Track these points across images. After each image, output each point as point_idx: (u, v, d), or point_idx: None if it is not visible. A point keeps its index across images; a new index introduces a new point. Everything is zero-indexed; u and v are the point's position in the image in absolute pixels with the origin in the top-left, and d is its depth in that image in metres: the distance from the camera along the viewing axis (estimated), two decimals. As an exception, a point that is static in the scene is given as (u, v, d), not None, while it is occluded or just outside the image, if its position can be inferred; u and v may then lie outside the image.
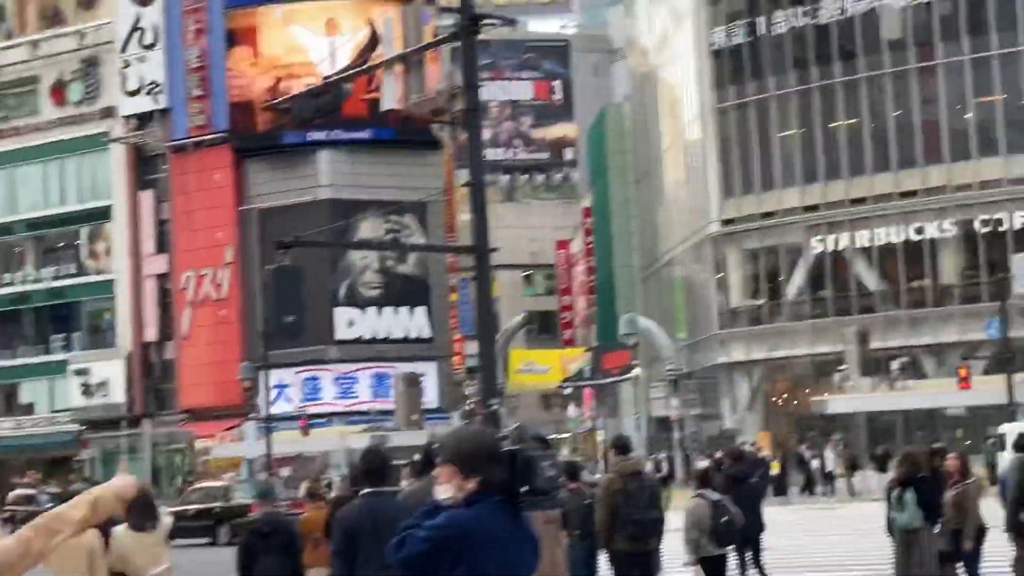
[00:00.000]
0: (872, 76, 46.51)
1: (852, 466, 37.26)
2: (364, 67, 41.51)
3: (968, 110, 45.24)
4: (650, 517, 9.96)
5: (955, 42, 44.86)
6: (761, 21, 48.03)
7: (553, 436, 48.30)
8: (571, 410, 56.63)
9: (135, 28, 50.31)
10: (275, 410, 40.63)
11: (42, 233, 54.39)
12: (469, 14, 19.14)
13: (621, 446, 12.21)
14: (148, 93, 50.08)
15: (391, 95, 27.14)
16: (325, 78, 40.03)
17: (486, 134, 53.63)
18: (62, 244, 54.35)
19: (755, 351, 48.20)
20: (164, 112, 50.06)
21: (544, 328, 61.76)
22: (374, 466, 5.64)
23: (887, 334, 43.55)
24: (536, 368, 56.04)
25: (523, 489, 2.15)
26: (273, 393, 41.08)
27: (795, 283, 47.14)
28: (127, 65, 50.19)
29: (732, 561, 12.50)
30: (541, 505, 2.54)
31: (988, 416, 36.94)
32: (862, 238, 45.59)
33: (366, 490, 5.61)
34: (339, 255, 47.64)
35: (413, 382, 35.94)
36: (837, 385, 44.04)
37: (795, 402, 48.92)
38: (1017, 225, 42.98)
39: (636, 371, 50.08)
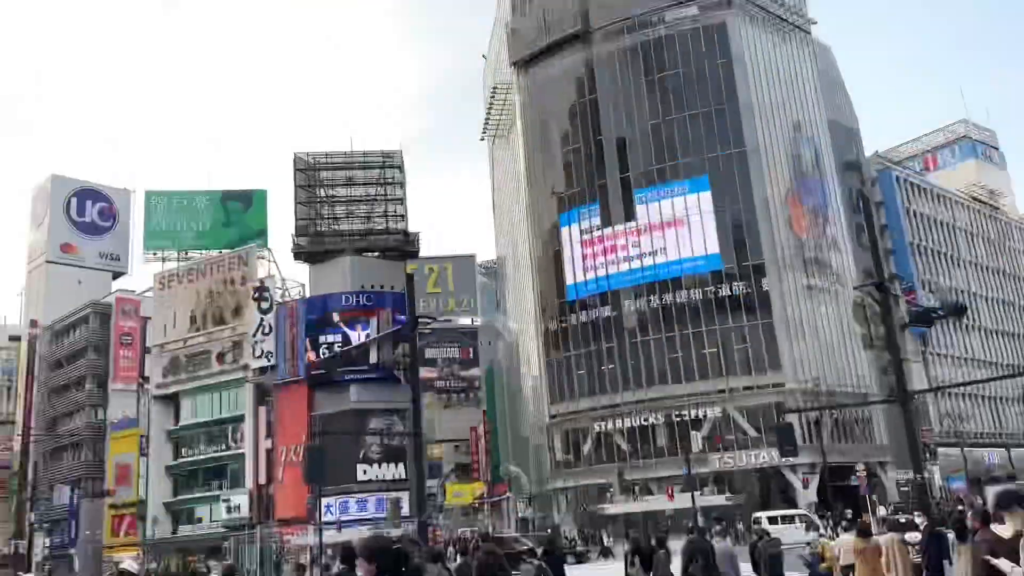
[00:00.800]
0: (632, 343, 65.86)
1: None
2: (363, 343, 65.87)
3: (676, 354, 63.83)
4: None
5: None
6: (571, 317, 70.20)
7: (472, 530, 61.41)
8: (480, 517, 68.74)
9: (260, 324, 69.68)
10: (325, 518, 54.47)
11: (209, 430, 73.80)
12: (415, 317, 26.47)
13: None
14: (266, 358, 68.59)
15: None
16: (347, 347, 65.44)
17: (434, 373, 78.74)
18: (219, 434, 72.90)
19: (569, 482, 67.41)
20: (273, 367, 68.85)
21: (465, 472, 70.71)
22: (346, 554, 6.82)
23: (633, 472, 61.56)
24: (460, 494, 69.41)
25: (403, 570, 4.86)
26: (324, 510, 55.43)
27: (587, 447, 67.09)
28: (255, 343, 69.30)
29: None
30: None
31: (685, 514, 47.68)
32: (620, 423, 65.20)
33: (342, 567, 7.80)
34: (361, 438, 64.18)
35: (396, 503, 59.30)
36: (609, 499, 63.06)
37: (588, 508, 64.24)
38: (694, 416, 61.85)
39: (509, 494, 68.85)
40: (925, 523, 16.17)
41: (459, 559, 19.52)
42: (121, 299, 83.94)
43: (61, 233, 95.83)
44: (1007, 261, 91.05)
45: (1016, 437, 79.99)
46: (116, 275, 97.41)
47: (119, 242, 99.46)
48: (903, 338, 69.49)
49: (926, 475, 63.11)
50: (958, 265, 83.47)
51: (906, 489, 62.78)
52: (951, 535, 15.32)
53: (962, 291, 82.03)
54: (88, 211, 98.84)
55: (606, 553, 49.01)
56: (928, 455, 65.74)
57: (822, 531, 40.26)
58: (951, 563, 14.48)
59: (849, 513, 44.24)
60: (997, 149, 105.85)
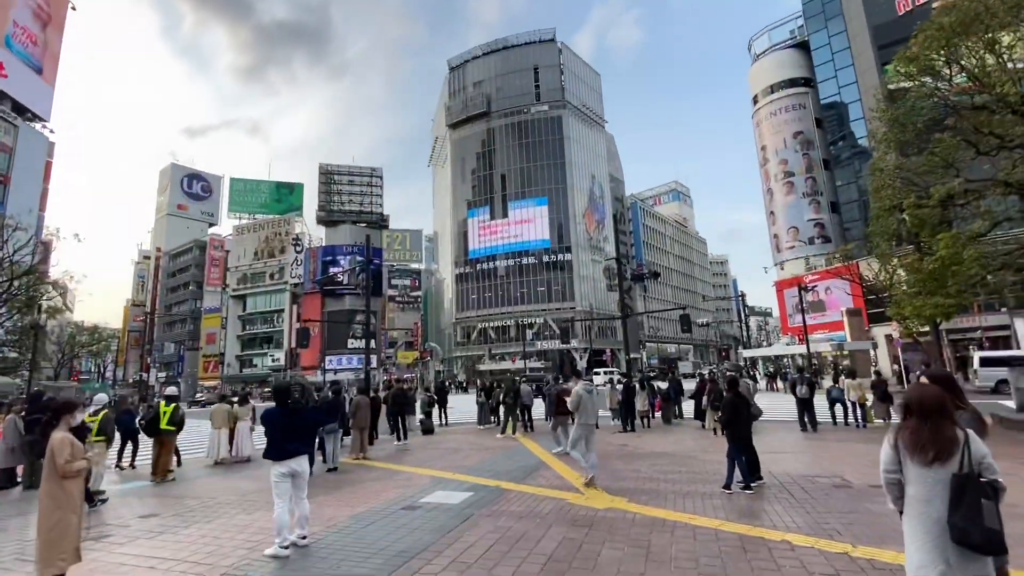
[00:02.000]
0: (501, 282, 70.21)
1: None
2: (347, 270, 66.32)
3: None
4: None
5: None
6: (470, 267, 68.22)
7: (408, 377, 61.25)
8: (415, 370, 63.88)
9: (295, 259, 68.06)
10: (328, 366, 59.20)
11: (263, 315, 69.85)
12: (374, 264, 41.66)
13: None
14: (297, 278, 67.52)
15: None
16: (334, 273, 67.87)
17: (395, 293, 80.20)
18: (269, 318, 69.35)
19: (462, 353, 67.29)
20: (300, 283, 67.16)
21: (411, 346, 67.55)
22: (275, 390, 5.51)
23: (496, 349, 66.10)
24: (405, 357, 67.29)
25: (289, 401, 4.86)
26: (327, 362, 56.26)
27: (473, 335, 65.92)
28: (292, 269, 67.90)
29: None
30: (300, 410, 5.08)
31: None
32: (491, 323, 66.18)
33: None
34: (351, 324, 61.18)
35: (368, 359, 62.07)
36: (482, 362, 61.79)
37: (471, 366, 63.27)
38: (529, 322, 73.26)
39: (430, 358, 67.10)
40: (628, 379, 16.97)
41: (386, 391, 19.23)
42: (213, 239, 77.45)
43: (176, 198, 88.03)
44: (687, 253, 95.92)
45: (681, 339, 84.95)
46: (210, 225, 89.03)
47: (214, 206, 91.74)
48: (635, 288, 73.12)
49: (640, 355, 67.82)
50: (665, 254, 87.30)
51: (630, 362, 67.15)
52: (636, 385, 16.22)
53: (665, 266, 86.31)
54: (194, 186, 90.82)
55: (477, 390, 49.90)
56: (642, 346, 69.88)
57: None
58: (634, 398, 15.29)
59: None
60: (689, 196, 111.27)
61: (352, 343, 63.64)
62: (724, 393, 7.83)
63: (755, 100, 51.41)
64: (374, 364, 65.73)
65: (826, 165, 45.39)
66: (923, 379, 3.67)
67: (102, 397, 8.99)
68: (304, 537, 5.15)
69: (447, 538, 5.21)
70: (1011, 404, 12.69)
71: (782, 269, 46.50)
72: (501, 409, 15.37)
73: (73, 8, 48.41)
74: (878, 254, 14.78)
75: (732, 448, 7.02)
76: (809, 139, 46.33)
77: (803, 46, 48.63)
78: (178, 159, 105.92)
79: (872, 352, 32.12)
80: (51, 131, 46.34)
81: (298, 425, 5.18)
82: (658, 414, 16.63)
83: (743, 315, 63.48)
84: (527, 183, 68.60)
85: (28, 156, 42.14)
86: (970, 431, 2.66)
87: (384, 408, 14.50)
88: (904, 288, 13.75)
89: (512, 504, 6.58)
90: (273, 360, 66.56)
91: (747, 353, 47.07)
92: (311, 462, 9.37)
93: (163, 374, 73.77)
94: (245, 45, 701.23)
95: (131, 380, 67.77)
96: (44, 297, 32.48)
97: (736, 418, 7.10)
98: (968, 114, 11.50)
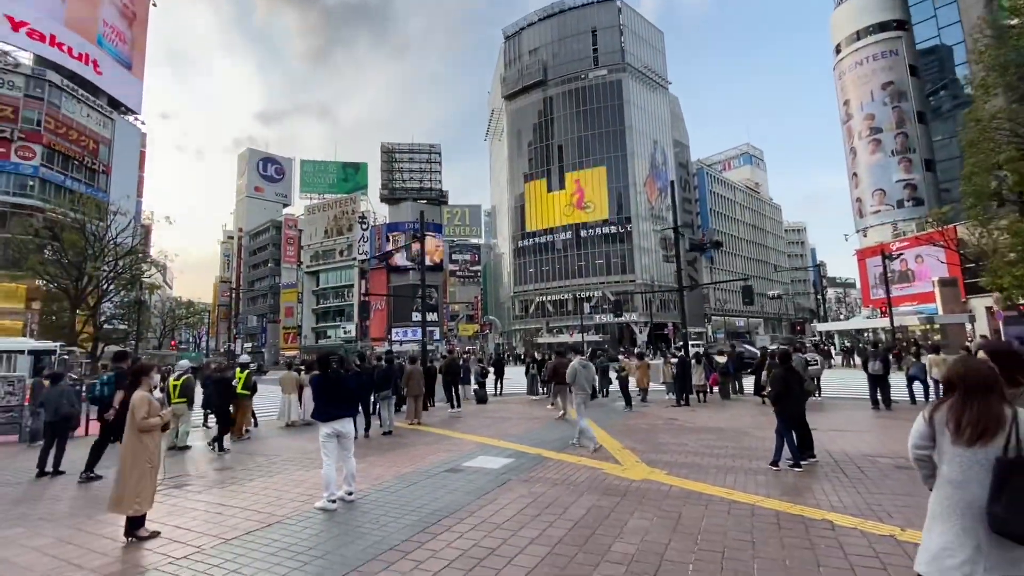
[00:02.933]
0: (558, 255, 69.92)
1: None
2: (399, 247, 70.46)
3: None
4: None
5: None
6: (528, 240, 67.93)
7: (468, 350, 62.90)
8: (476, 341, 68.71)
9: (361, 236, 69.16)
10: (394, 338, 66.69)
11: (335, 289, 71.90)
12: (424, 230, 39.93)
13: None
14: (364, 254, 68.41)
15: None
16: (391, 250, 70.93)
17: (456, 267, 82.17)
18: (340, 293, 71.41)
19: (520, 326, 66.54)
20: (366, 260, 68.01)
21: (471, 319, 73.10)
22: (319, 358, 6.03)
23: (553, 322, 69.31)
24: (466, 329, 72.01)
25: (329, 369, 5.36)
26: (394, 333, 61.88)
27: (531, 308, 66.05)
28: (359, 246, 68.95)
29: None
30: (342, 377, 5.37)
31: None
32: (549, 297, 66.65)
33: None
34: (414, 299, 66.70)
35: (431, 332, 64.62)
36: (540, 335, 61.97)
37: (529, 339, 64.02)
38: (587, 295, 73.60)
39: (489, 331, 71.27)
40: (683, 354, 16.50)
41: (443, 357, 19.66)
42: (287, 218, 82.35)
43: (254, 180, 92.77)
44: (759, 221, 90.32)
45: (751, 313, 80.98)
46: (285, 206, 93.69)
47: (286, 187, 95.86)
48: (700, 259, 70.06)
49: (705, 330, 65.50)
50: (734, 222, 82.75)
51: (695, 336, 64.95)
52: (692, 359, 15.74)
53: (734, 235, 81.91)
54: (269, 169, 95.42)
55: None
56: (707, 320, 67.33)
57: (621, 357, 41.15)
58: (690, 372, 14.88)
59: (636, 349, 43.13)
60: (763, 160, 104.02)
61: (416, 316, 65.74)
62: (774, 368, 7.45)
63: (838, 49, 46.61)
64: (436, 336, 68.61)
65: (920, 119, 40.62)
66: (981, 353, 3.34)
67: (184, 364, 10.01)
68: (351, 493, 5.55)
69: (481, 500, 5.43)
70: None
71: (864, 236, 42.73)
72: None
73: (155, 4, 51.88)
74: (971, 216, 13.12)
75: (780, 424, 6.73)
76: (901, 90, 41.54)
77: (896, -17, 43.12)
78: (255, 144, 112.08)
79: (968, 326, 29.06)
80: (142, 123, 50.70)
81: (340, 391, 5.52)
82: (716, 389, 16.11)
83: (819, 286, 59.19)
84: (585, 152, 66.85)
85: (124, 147, 46.43)
86: (1021, 409, 2.38)
87: (440, 378, 15.08)
88: (1004, 255, 12.19)
89: (549, 471, 6.71)
90: (345, 332, 69.83)
91: (822, 327, 44.11)
92: (367, 426, 10.02)
93: (248, 344, 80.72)
94: (312, 29, 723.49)
95: (221, 350, 74.26)
96: (145, 275, 36.28)
97: (786, 393, 6.76)
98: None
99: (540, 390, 17.44)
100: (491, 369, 19.99)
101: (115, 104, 47.17)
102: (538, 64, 70.80)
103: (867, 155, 43.01)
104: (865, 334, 37.06)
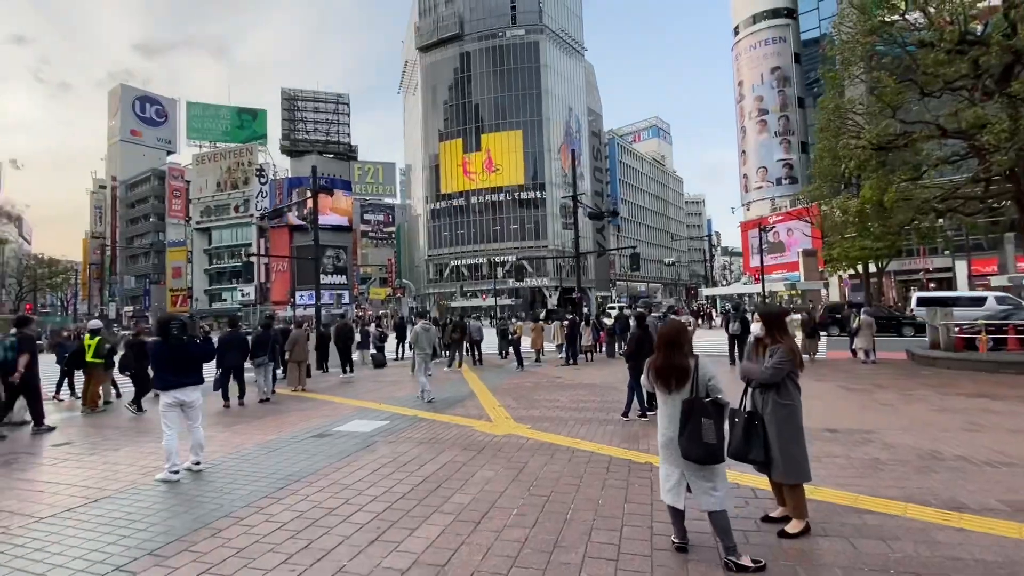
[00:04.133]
0: (473, 219, 66.90)
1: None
2: (296, 201, 67.63)
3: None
4: None
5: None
6: (443, 202, 66.66)
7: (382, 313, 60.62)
8: (389, 306, 65.77)
9: (259, 191, 63.25)
10: (299, 302, 62.86)
11: (230, 248, 67.41)
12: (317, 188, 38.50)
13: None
14: (262, 211, 60.74)
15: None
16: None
17: (369, 228, 79.29)
18: (236, 252, 65.84)
19: (434, 290, 66.06)
20: (265, 216, 62.57)
21: (384, 282, 71.63)
22: (158, 323, 6.70)
23: (467, 286, 72.66)
24: (378, 293, 70.24)
25: (170, 336, 5.05)
26: (298, 297, 64.47)
27: (446, 272, 65.63)
28: (257, 202, 63.82)
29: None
30: (184, 343, 5.00)
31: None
32: (463, 261, 65.71)
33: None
34: (321, 259, 66.62)
35: (339, 296, 61.62)
36: (453, 299, 67.30)
37: (442, 303, 60.68)
38: (501, 260, 72.48)
39: (401, 294, 68.01)
40: (573, 316, 17.35)
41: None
42: (172, 168, 74.43)
43: (129, 123, 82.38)
44: (663, 192, 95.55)
45: (652, 278, 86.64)
46: (169, 153, 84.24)
47: (170, 132, 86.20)
48: (608, 227, 73.11)
49: (610, 293, 69.13)
50: (641, 192, 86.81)
51: (600, 301, 68.36)
52: (582, 321, 16.59)
53: (640, 205, 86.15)
54: (148, 110, 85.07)
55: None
56: (611, 284, 71.02)
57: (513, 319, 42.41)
58: (579, 335, 15.71)
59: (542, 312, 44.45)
60: (669, 133, 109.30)
61: (324, 278, 62.92)
62: (632, 328, 8.09)
63: (736, 31, 49.43)
64: (346, 300, 66.23)
65: (800, 103, 44.69)
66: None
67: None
68: (198, 463, 5.34)
69: (340, 463, 5.47)
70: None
71: (748, 210, 46.92)
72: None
73: None
74: (811, 194, 14.92)
75: (632, 379, 7.37)
76: (786, 75, 45.24)
77: (789, -28, 46.14)
78: (134, 81, 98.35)
79: (824, 292, 33.33)
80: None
81: (182, 358, 5.21)
82: (604, 349, 17.21)
83: (708, 255, 64.51)
84: (501, 115, 65.97)
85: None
86: (701, 357, 3.02)
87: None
88: (838, 231, 14.04)
89: (419, 431, 6.88)
90: (244, 295, 65.54)
91: (707, 292, 48.35)
92: (241, 393, 9.56)
93: (129, 308, 72.90)
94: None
95: (95, 314, 66.35)
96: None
97: (639, 351, 7.40)
98: (919, 53, 11.30)
99: (443, 353, 17.52)
100: (393, 334, 19.74)
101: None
102: (455, 17, 67.91)
103: (755, 135, 46.70)
104: (745, 298, 41.20)
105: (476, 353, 15.75)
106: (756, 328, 3.69)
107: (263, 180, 66.26)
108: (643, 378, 3.34)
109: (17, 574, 3.21)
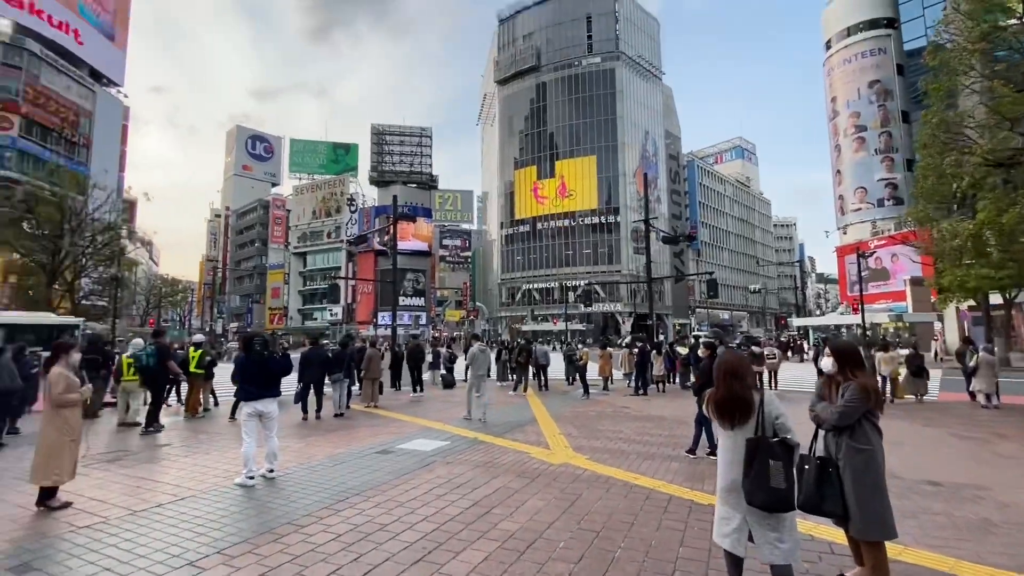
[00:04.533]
0: (546, 244, 66.98)
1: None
2: (379, 228, 70.53)
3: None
4: None
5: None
6: (517, 227, 68.08)
7: (456, 334, 62.89)
8: (464, 327, 69.96)
9: (350, 218, 70.00)
10: (380, 322, 66.83)
11: (322, 272, 71.54)
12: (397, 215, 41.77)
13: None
14: (352, 236, 67.60)
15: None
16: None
17: (447, 253, 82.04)
18: (327, 275, 68.93)
19: (506, 313, 66.33)
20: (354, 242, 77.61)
21: (459, 305, 75.33)
22: (243, 340, 8.26)
23: (539, 310, 66.84)
24: (453, 315, 74.21)
25: (253, 351, 5.57)
26: (380, 317, 68.29)
27: (518, 296, 66.15)
28: (347, 228, 69.01)
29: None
30: (265, 358, 5.48)
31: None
32: (535, 285, 64.53)
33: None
34: (402, 283, 71.28)
35: (417, 317, 64.02)
36: (525, 322, 63.41)
37: (514, 326, 60.82)
38: (572, 284, 69.94)
39: (475, 317, 71.79)
40: (643, 343, 16.74)
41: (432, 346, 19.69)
42: (275, 198, 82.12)
43: (242, 159, 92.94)
44: (748, 215, 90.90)
45: (735, 306, 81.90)
46: (273, 185, 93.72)
47: (275, 166, 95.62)
48: (686, 251, 70.43)
49: (689, 321, 66.05)
50: (723, 215, 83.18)
51: (679, 328, 65.61)
52: (653, 351, 15.98)
53: (722, 229, 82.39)
54: (257, 147, 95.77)
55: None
56: (690, 311, 67.89)
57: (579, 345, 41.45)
58: (651, 365, 15.15)
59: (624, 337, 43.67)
60: (755, 154, 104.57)
61: (403, 300, 66.00)
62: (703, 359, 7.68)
63: (828, 45, 46.58)
64: (423, 321, 68.79)
65: (905, 118, 40.89)
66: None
67: (138, 343, 10.07)
68: (271, 471, 5.73)
69: (398, 480, 5.63)
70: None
71: (845, 233, 43.20)
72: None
73: (139, -25, 50.45)
74: (916, 216, 13.36)
75: (700, 413, 6.96)
76: (887, 88, 41.71)
77: (887, -20, 42.98)
78: (249, 122, 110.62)
79: (938, 325, 29.64)
80: (125, 95, 49.77)
81: (263, 372, 5.65)
82: (678, 380, 16.40)
83: (799, 282, 59.87)
84: (576, 141, 66.56)
85: (106, 119, 45.62)
86: (767, 391, 2.76)
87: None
88: (950, 257, 12.46)
89: (476, 454, 6.93)
90: (332, 315, 69.60)
91: (797, 322, 44.71)
92: (318, 407, 10.16)
93: (234, 324, 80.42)
94: (311, 5, 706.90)
95: (206, 329, 73.84)
96: (128, 251, 35.89)
97: (708, 383, 6.97)
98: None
99: (510, 376, 17.54)
100: (462, 355, 20.12)
101: (97, 76, 46.25)
102: (532, 49, 70.12)
103: (851, 153, 43.28)
104: (843, 330, 37.62)
105: (542, 378, 15.62)
106: (826, 364, 3.35)
107: (353, 208, 71.91)
108: (704, 409, 3.12)
109: (108, 560, 3.60)
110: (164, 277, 76.33)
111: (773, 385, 14.71)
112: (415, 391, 14.09)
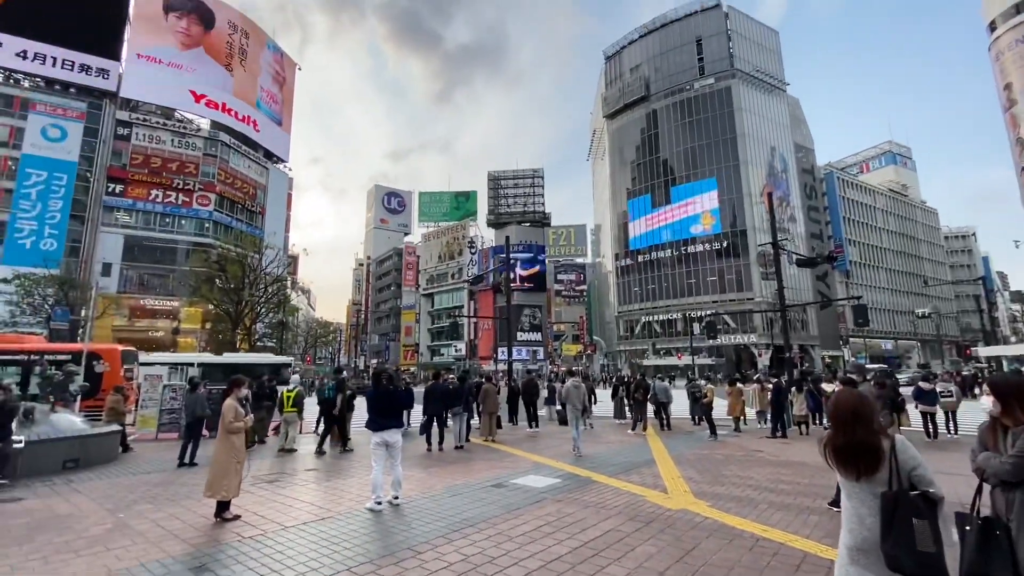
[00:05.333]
0: (665, 273, 62.58)
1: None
2: (493, 269, 74.69)
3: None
4: None
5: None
6: (632, 258, 66.32)
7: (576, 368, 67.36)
8: (582, 361, 66.41)
9: (471, 259, 73.79)
10: (500, 357, 66.84)
11: (448, 310, 76.73)
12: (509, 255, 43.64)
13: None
14: (472, 276, 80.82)
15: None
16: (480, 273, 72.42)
17: (562, 287, 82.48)
18: (451, 314, 75.45)
19: (626, 347, 64.34)
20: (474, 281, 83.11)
21: (576, 339, 72.12)
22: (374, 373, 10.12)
23: (660, 343, 64.01)
24: (570, 350, 70.32)
25: (380, 385, 6.06)
26: (499, 353, 68.54)
27: (637, 328, 64.28)
28: (469, 269, 73.92)
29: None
30: (392, 391, 6.08)
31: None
32: (655, 317, 62.24)
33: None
34: (519, 318, 66.59)
35: (534, 352, 64.64)
36: (646, 357, 60.85)
37: (634, 361, 59.57)
38: (697, 315, 67.07)
39: (593, 351, 71.01)
40: (779, 379, 15.14)
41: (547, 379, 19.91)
42: (408, 246, 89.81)
43: (380, 213, 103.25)
44: (908, 228, 78.49)
45: (901, 334, 70.25)
46: (405, 234, 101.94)
47: (407, 217, 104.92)
48: (832, 273, 62.73)
49: (842, 353, 57.92)
50: (875, 230, 73.02)
51: (829, 362, 57.94)
52: (793, 386, 14.36)
53: (876, 246, 72.20)
54: (392, 202, 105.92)
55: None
56: (843, 342, 59.70)
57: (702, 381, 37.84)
58: (788, 401, 13.65)
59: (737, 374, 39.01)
60: (911, 159, 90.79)
61: (520, 335, 67.43)
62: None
63: (992, 27, 39.75)
64: (541, 356, 69.59)
65: (1122, 95, 32.81)
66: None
67: (296, 378, 11.68)
68: (396, 498, 6.22)
69: (509, 515, 5.76)
70: None
71: (1046, 241, 35.14)
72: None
73: (299, 69, 60.86)
74: None
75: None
76: (1088, 63, 34.04)
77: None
78: (386, 180, 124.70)
79: None
80: (290, 169, 59.28)
81: (389, 404, 6.25)
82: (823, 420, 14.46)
83: (985, 303, 49.52)
84: (692, 165, 63.84)
85: (276, 190, 54.67)
86: (899, 436, 2.39)
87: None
88: None
89: (588, 494, 6.80)
90: (456, 350, 74.57)
91: (985, 352, 36.85)
92: (440, 439, 10.75)
93: (374, 360, 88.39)
94: (435, 73, 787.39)
95: (353, 366, 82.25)
96: (291, 299, 42.10)
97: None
98: None
99: (627, 413, 16.98)
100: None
101: (269, 155, 55.93)
102: (640, 81, 69.87)
103: (1044, 144, 35.67)
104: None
105: (663, 416, 14.82)
106: (987, 404, 2.81)
107: (473, 251, 76.25)
108: (824, 456, 2.73)
109: (263, 569, 4.21)
110: (319, 320, 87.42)
111: (952, 430, 12.30)
112: (531, 426, 14.22)
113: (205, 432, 10.38)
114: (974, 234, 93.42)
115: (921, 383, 12.46)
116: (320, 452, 10.26)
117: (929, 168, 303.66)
